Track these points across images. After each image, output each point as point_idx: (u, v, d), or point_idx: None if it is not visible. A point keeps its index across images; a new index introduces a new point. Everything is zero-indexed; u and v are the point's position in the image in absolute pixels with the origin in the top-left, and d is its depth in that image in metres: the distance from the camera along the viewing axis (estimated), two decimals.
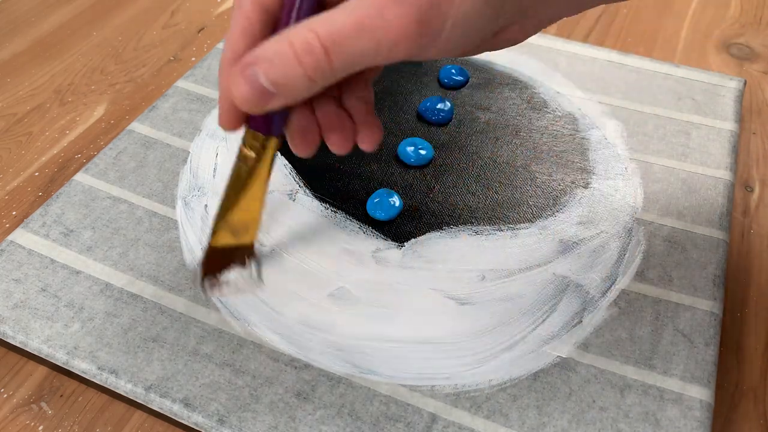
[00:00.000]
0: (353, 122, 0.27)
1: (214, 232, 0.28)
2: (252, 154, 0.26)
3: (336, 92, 0.27)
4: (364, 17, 0.20)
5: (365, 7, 0.20)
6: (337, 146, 0.27)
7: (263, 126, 0.26)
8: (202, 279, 0.29)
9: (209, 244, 0.29)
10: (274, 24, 0.24)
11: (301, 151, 0.27)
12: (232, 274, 0.30)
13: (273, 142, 0.26)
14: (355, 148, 0.27)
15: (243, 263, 0.30)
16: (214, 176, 0.38)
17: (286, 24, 0.23)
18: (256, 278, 0.30)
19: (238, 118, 0.25)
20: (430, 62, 0.45)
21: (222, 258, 0.29)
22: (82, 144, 0.42)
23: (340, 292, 0.32)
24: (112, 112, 0.45)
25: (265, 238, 0.35)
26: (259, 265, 0.31)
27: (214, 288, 0.29)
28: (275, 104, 0.22)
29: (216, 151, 0.39)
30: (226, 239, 0.29)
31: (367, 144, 0.27)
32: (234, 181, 0.27)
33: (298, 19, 0.23)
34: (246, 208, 0.28)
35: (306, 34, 0.21)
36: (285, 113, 0.26)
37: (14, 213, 0.38)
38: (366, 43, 0.21)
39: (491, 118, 0.42)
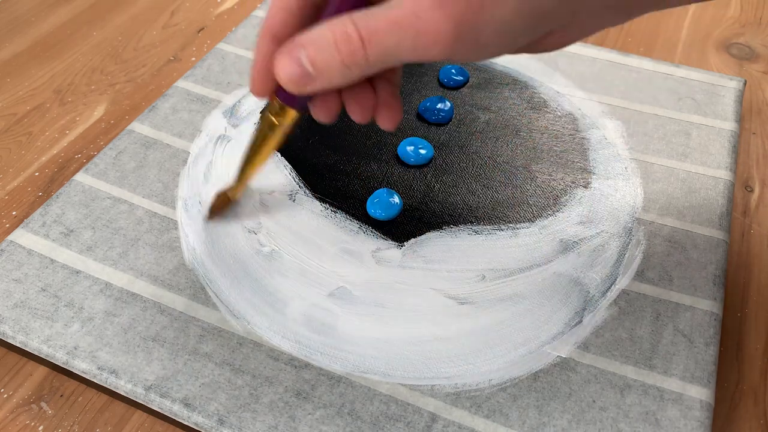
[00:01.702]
0: (376, 97, 0.28)
1: (235, 186, 0.34)
2: (275, 120, 0.29)
3: None
4: (400, 16, 0.21)
5: (403, 7, 0.21)
6: (356, 116, 0.28)
7: (290, 99, 0.28)
8: (208, 217, 0.35)
9: (227, 194, 0.34)
10: (311, 2, 0.25)
11: (321, 118, 0.28)
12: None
13: (294, 114, 0.28)
14: (355, 148, 0.27)
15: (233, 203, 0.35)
16: (206, 180, 0.38)
17: (331, 14, 0.24)
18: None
19: (269, 87, 0.27)
20: (430, 62, 0.45)
21: (226, 202, 0.35)
22: (82, 144, 0.42)
23: (340, 292, 0.32)
24: (112, 112, 0.45)
25: (265, 239, 0.35)
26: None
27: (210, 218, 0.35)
28: (314, 88, 0.24)
29: (214, 152, 0.39)
30: (241, 192, 0.34)
31: (386, 123, 0.28)
32: (255, 142, 0.31)
33: (343, 11, 0.24)
34: (262, 165, 0.32)
35: (346, 24, 0.22)
36: None
37: (14, 213, 0.38)
38: (401, 41, 0.22)
39: (491, 118, 0.42)
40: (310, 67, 0.23)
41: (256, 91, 0.27)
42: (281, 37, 0.25)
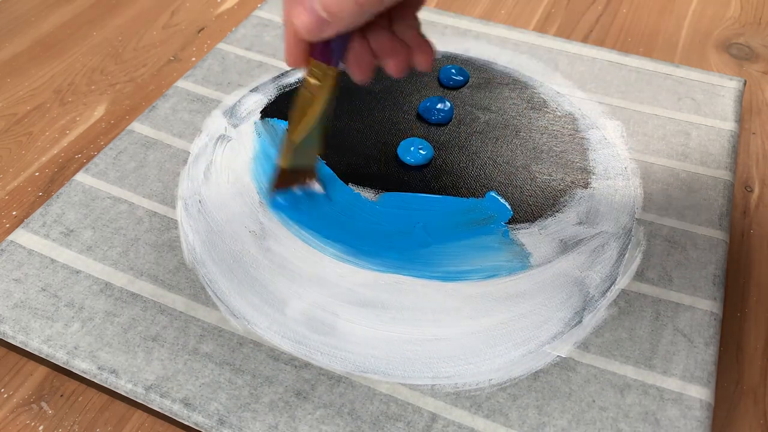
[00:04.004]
0: (407, 46, 0.29)
1: (282, 152, 0.33)
2: (316, 81, 0.30)
3: (386, 23, 0.29)
4: None
5: None
6: (395, 70, 0.29)
7: (324, 57, 0.29)
8: (272, 192, 0.35)
9: (277, 164, 0.34)
10: None
11: (357, 76, 0.29)
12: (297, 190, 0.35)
13: (333, 72, 0.29)
14: (355, 148, 0.28)
15: (304, 182, 0.35)
16: (206, 180, 0.38)
17: None
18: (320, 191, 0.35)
19: (302, 53, 0.28)
20: None
21: (290, 176, 0.34)
22: (82, 144, 0.42)
23: (340, 292, 0.32)
24: (112, 112, 0.45)
25: (265, 239, 0.35)
26: (322, 183, 0.36)
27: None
28: (331, 31, 0.25)
29: (214, 153, 0.39)
30: (291, 159, 0.33)
31: (424, 63, 0.29)
32: (299, 107, 0.31)
33: None
34: (307, 129, 0.32)
35: None
36: (343, 45, 0.28)
37: (14, 213, 0.38)
38: None
39: (491, 118, 0.42)
40: (324, 13, 0.24)
41: (291, 60, 0.28)
42: None
